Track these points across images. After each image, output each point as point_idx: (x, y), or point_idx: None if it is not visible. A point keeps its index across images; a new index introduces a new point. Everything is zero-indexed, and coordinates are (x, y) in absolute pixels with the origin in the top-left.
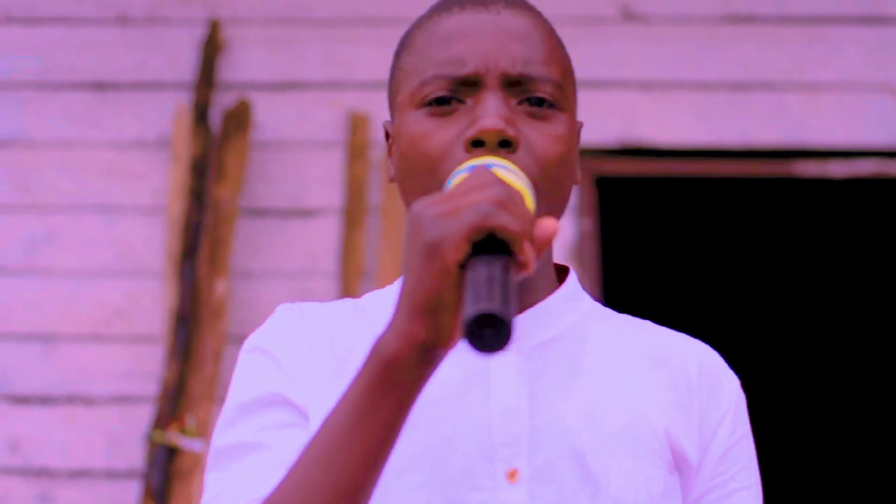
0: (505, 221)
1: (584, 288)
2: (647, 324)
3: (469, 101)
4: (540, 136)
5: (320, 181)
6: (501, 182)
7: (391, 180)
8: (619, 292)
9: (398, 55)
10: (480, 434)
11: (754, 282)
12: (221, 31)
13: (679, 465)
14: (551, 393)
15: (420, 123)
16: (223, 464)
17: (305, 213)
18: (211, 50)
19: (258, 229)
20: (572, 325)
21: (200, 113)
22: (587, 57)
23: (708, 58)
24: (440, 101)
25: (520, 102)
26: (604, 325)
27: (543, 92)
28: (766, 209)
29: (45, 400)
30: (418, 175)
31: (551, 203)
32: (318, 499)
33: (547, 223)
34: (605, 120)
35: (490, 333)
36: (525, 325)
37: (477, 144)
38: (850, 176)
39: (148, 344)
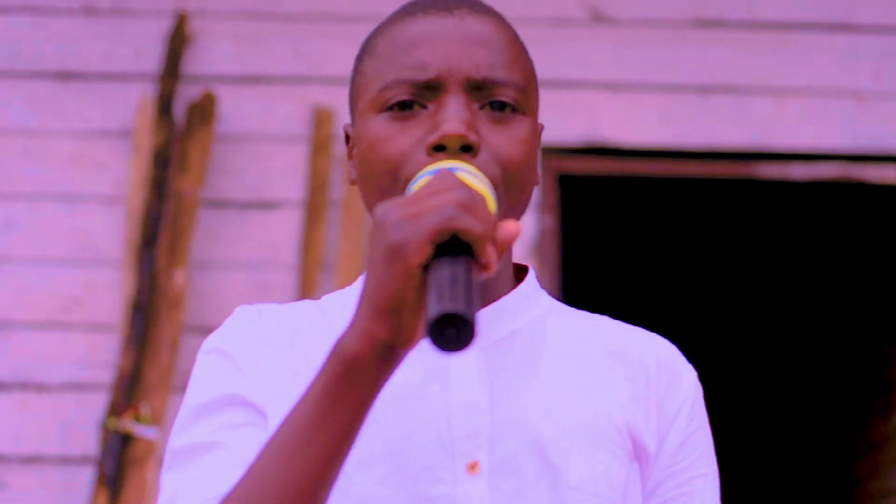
0: (468, 224)
1: (542, 286)
2: (605, 319)
3: (431, 106)
4: (502, 140)
5: (283, 174)
6: (464, 185)
7: (352, 183)
8: (578, 290)
9: (360, 59)
10: (440, 428)
11: (715, 281)
12: (189, 24)
13: (638, 454)
14: (511, 387)
15: (381, 127)
16: (180, 463)
17: (267, 206)
18: (177, 42)
19: (219, 221)
20: (531, 321)
21: (165, 104)
22: (555, 57)
23: (676, 60)
24: (402, 106)
25: (482, 107)
26: (562, 320)
27: (506, 96)
28: (727, 210)
29: None
30: (379, 178)
31: (513, 205)
32: (277, 496)
33: (509, 226)
34: (569, 119)
35: (453, 333)
36: (485, 321)
37: (439, 149)
38: (812, 179)
39: (104, 332)
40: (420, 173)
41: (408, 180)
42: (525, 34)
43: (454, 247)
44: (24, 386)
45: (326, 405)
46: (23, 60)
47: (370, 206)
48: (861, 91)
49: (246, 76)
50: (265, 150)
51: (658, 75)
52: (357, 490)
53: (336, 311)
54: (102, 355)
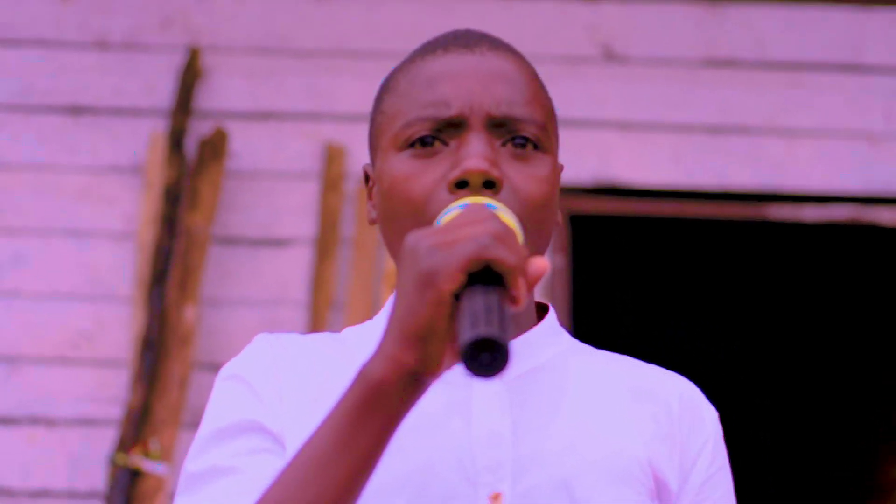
0: (502, 255)
1: (562, 325)
2: (627, 358)
3: (453, 143)
4: (523, 177)
5: (294, 211)
6: (497, 217)
7: (371, 223)
8: (589, 330)
9: (380, 98)
10: (463, 460)
11: (726, 323)
12: (201, 59)
13: (660, 492)
14: (534, 421)
15: (403, 165)
16: (194, 487)
17: (277, 243)
18: (189, 77)
19: (229, 257)
20: (554, 357)
21: (176, 140)
22: (567, 96)
23: (687, 100)
24: (424, 143)
25: (503, 144)
26: (584, 358)
27: (527, 133)
28: (739, 252)
29: (7, 420)
30: (402, 217)
31: (535, 244)
32: None
33: (539, 261)
34: (581, 158)
35: (487, 357)
36: None
37: (461, 185)
38: (824, 221)
39: (114, 368)
40: (448, 208)
41: (432, 218)
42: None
43: (487, 277)
44: (34, 421)
45: (349, 430)
46: (34, 95)
47: (392, 245)
48: (873, 132)
49: (257, 112)
50: (276, 186)
51: (669, 115)
52: None
53: (356, 343)
54: (112, 391)
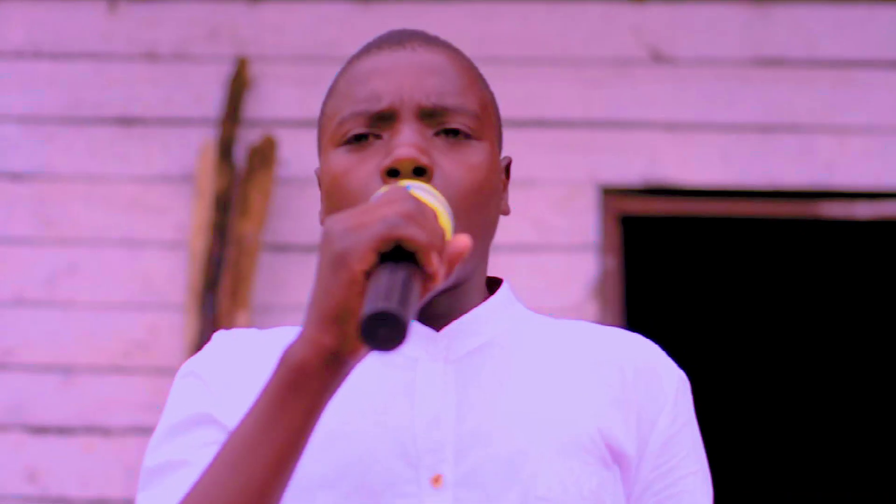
0: (411, 233)
1: (518, 297)
2: (586, 325)
3: (386, 136)
4: (454, 164)
5: None
6: (412, 198)
7: (322, 223)
8: (642, 331)
9: (324, 103)
10: (405, 443)
11: (778, 323)
12: (249, 68)
13: (618, 460)
14: (479, 399)
15: (341, 160)
16: (150, 483)
17: None
18: (238, 86)
19: (280, 264)
20: (502, 333)
21: (225, 149)
22: (616, 98)
23: (736, 99)
24: (358, 138)
25: (436, 133)
26: (537, 330)
27: (458, 122)
28: (791, 250)
29: (63, 430)
30: (342, 210)
31: (470, 232)
32: (224, 501)
33: (459, 238)
34: (630, 159)
35: (385, 332)
36: (454, 333)
37: (392, 174)
38: (876, 217)
39: (167, 376)
40: (375, 195)
41: None
42: (585, 74)
43: (399, 256)
44: (89, 430)
45: (273, 413)
46: (85, 106)
47: None
48: None
49: (306, 120)
50: None
51: (719, 114)
52: None
53: None
54: (166, 398)
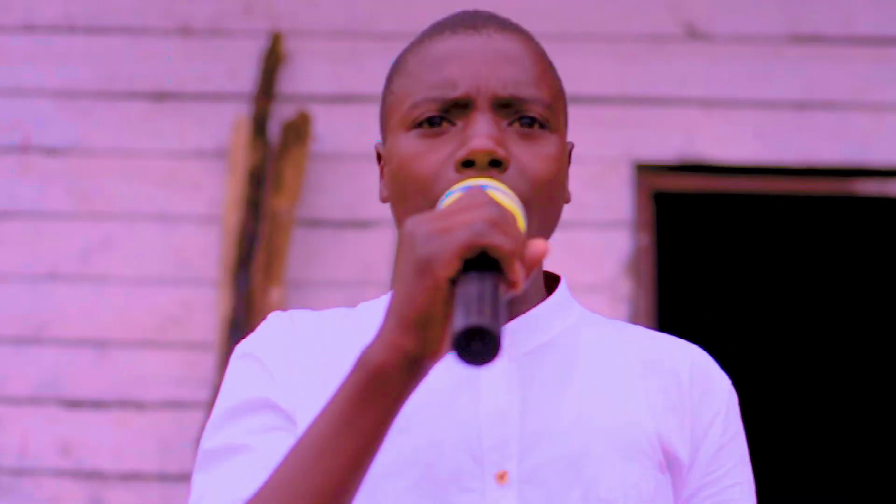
0: (497, 240)
1: (574, 296)
2: (638, 328)
3: (460, 123)
4: (530, 156)
5: (377, 193)
6: (495, 202)
7: (383, 201)
8: (674, 308)
9: (389, 79)
10: (470, 438)
11: (813, 300)
12: (283, 43)
13: (671, 465)
14: (542, 398)
15: (411, 145)
16: (209, 465)
17: (362, 225)
18: (272, 61)
19: (314, 239)
20: (562, 332)
21: (260, 124)
22: (651, 74)
23: (771, 76)
24: (431, 123)
25: (510, 123)
26: (594, 330)
27: (533, 113)
28: (826, 227)
29: (97, 404)
30: (410, 196)
31: (542, 223)
32: (299, 501)
33: (538, 244)
34: (665, 136)
35: (478, 347)
36: (515, 332)
37: (467, 165)
38: None
39: (201, 351)
40: (450, 190)
41: (438, 197)
42: (620, 51)
43: (483, 263)
44: (123, 404)
45: (351, 414)
46: (119, 81)
47: (401, 223)
48: None
49: (340, 95)
50: (360, 168)
51: (754, 91)
52: (385, 497)
53: (370, 319)
54: (200, 373)
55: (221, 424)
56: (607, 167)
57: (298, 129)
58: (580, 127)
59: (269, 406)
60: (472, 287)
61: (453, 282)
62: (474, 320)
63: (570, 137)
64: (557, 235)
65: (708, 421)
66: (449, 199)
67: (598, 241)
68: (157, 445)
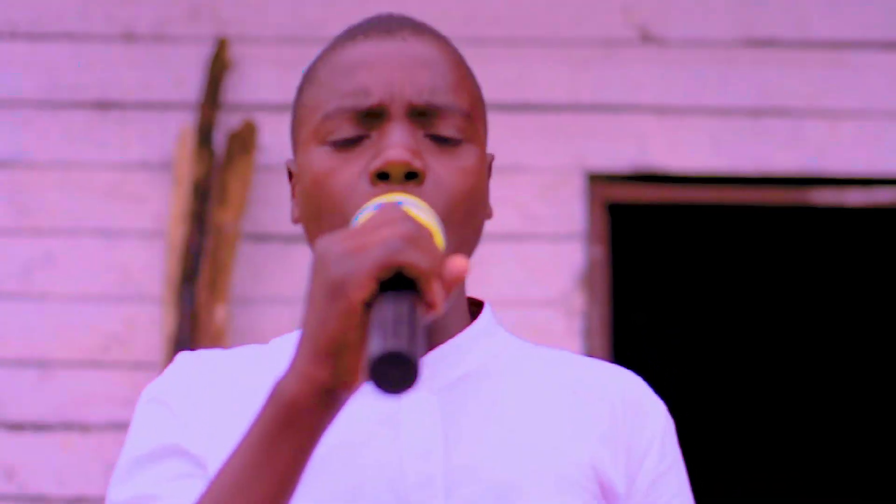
0: (414, 258)
1: (497, 320)
2: (567, 354)
3: (374, 134)
4: (448, 169)
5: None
6: (410, 218)
7: (295, 222)
8: (629, 322)
9: (301, 90)
10: (393, 477)
11: (769, 311)
12: (229, 50)
13: (607, 496)
14: (468, 431)
15: (324, 159)
16: None
17: None
18: (217, 69)
19: (260, 255)
20: (487, 361)
21: (205, 134)
22: (603, 80)
23: (726, 82)
24: (347, 143)
25: (427, 134)
26: (521, 358)
27: (450, 124)
28: (782, 238)
29: (40, 427)
30: (323, 214)
31: (461, 239)
32: None
33: (457, 262)
34: (618, 145)
35: (396, 373)
36: (437, 361)
37: (382, 177)
38: (868, 205)
39: (146, 371)
40: (364, 207)
41: (352, 214)
42: (571, 55)
43: (399, 283)
44: (67, 426)
45: (265, 451)
46: (61, 90)
47: (314, 244)
48: None
49: (288, 104)
50: None
51: (708, 98)
52: None
53: (281, 355)
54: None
55: (130, 474)
56: (559, 177)
57: (244, 140)
58: (530, 135)
59: (178, 453)
60: (387, 310)
61: (368, 305)
62: (390, 345)
63: (521, 146)
64: (509, 248)
65: (643, 449)
66: (362, 217)
67: (550, 254)
68: (102, 468)
